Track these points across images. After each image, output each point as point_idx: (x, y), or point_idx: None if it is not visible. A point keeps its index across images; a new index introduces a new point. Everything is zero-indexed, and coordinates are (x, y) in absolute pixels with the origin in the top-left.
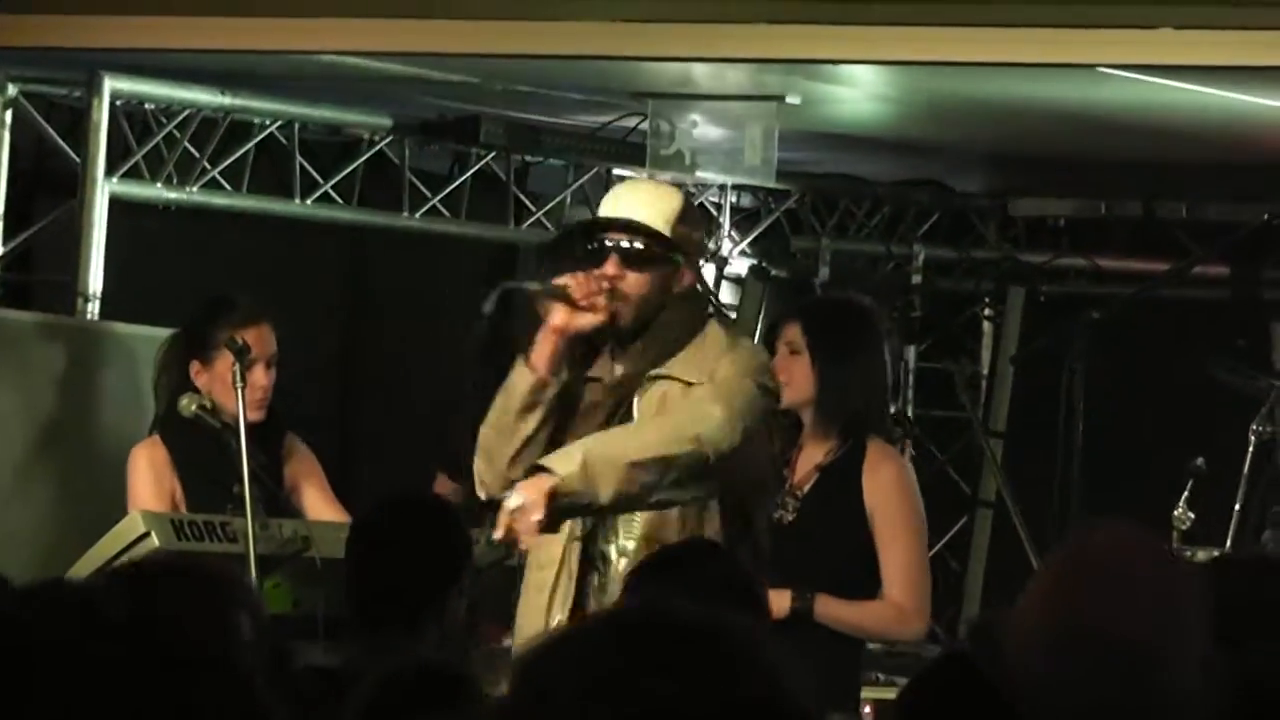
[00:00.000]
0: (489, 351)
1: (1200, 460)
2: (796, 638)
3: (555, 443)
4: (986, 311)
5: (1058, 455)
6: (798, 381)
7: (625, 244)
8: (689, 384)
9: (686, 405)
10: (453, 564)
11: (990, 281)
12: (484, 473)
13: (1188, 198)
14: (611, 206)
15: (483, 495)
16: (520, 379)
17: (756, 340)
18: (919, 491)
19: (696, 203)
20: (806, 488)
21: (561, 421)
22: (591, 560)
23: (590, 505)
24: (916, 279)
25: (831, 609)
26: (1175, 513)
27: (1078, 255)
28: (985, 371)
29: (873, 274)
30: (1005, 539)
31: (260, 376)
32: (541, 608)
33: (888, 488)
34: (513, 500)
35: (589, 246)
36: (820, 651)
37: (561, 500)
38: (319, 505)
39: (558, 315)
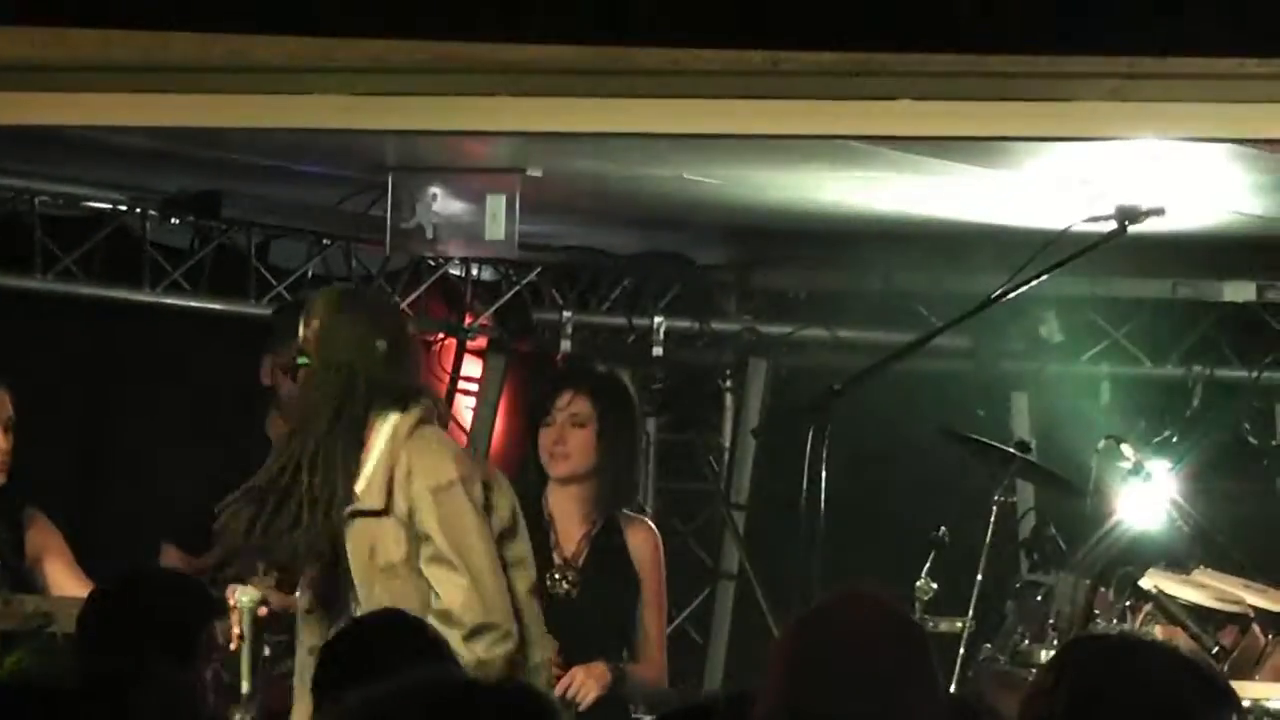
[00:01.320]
0: None
1: (942, 530)
2: (616, 706)
3: None
4: (728, 383)
5: (800, 527)
6: (580, 453)
7: None
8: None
9: None
10: (189, 637)
11: (731, 353)
12: None
13: (927, 269)
14: None
15: None
16: None
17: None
18: None
19: (438, 275)
20: (581, 559)
21: None
22: None
23: None
24: (658, 351)
25: (637, 672)
26: (918, 583)
27: (819, 327)
28: (727, 443)
29: (615, 346)
30: (748, 611)
31: None
32: None
33: (652, 554)
34: None
35: None
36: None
37: None
38: (63, 579)
39: None
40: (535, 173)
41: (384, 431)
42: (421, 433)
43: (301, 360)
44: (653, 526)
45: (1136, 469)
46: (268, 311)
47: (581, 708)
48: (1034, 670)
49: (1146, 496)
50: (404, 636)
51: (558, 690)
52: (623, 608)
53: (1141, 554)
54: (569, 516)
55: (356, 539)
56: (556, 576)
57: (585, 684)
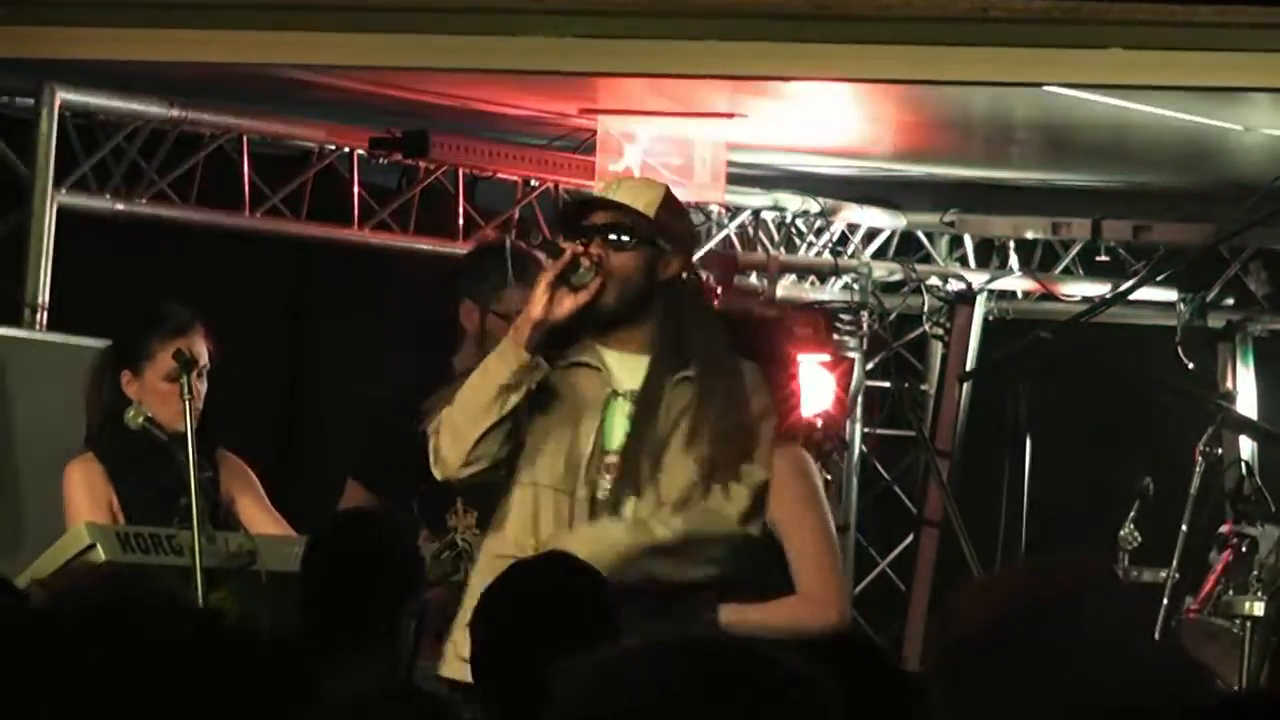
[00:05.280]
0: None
1: (1147, 480)
2: None
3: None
4: (935, 330)
5: (1005, 474)
6: None
7: (608, 223)
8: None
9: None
10: (408, 582)
11: (938, 300)
12: (448, 451)
13: (1135, 219)
14: (598, 192)
15: (439, 474)
16: (504, 360)
17: None
18: None
19: None
20: None
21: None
22: None
23: None
24: (862, 296)
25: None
26: (1121, 533)
27: (1026, 275)
28: (932, 390)
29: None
30: (951, 558)
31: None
32: None
33: None
34: None
35: (577, 224)
36: None
37: None
38: (257, 518)
39: (538, 305)
40: (744, 117)
41: None
42: None
43: None
44: None
45: None
46: None
47: None
48: (1236, 621)
49: None
50: (571, 583)
51: None
52: None
53: None
54: None
55: None
56: None
57: None
